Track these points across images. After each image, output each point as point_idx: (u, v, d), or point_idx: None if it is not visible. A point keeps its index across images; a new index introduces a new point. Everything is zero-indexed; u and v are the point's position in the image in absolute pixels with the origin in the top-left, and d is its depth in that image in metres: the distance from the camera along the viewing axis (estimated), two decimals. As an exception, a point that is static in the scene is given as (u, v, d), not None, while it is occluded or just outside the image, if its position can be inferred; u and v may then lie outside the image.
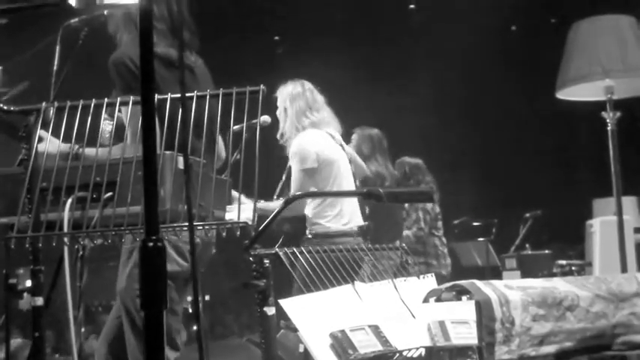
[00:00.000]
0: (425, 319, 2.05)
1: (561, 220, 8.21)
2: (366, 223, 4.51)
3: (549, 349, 2.09)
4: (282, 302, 2.06)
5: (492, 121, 9.64)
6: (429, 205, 6.37)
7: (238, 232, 1.96)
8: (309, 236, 4.40)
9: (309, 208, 4.40)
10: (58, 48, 2.77)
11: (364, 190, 2.59)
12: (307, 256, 2.26)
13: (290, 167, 4.47)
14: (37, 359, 2.14)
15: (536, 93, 6.64)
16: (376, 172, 5.62)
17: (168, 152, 2.04)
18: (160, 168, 1.97)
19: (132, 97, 2.18)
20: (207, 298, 5.16)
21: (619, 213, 3.86)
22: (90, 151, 2.33)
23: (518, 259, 7.53)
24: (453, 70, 8.97)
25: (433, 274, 2.39)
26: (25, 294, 2.16)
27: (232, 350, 5.63)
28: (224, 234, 1.99)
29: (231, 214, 2.12)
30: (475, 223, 8.04)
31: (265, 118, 4.10)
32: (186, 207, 1.66)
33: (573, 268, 5.83)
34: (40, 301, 2.13)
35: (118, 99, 2.21)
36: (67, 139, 2.21)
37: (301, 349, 2.03)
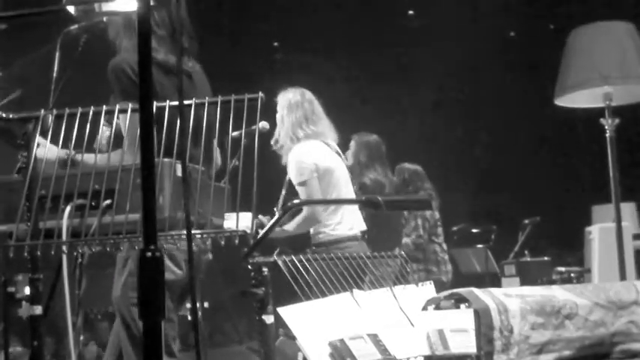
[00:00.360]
0: (424, 327, 2.05)
1: (560, 227, 8.21)
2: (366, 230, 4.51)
3: (548, 357, 2.09)
4: (281, 310, 2.06)
5: (491, 127, 9.65)
6: (427, 212, 6.36)
7: (237, 241, 1.96)
8: (314, 247, 4.39)
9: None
10: (57, 55, 2.78)
11: (363, 198, 2.59)
12: (306, 264, 2.26)
13: (288, 182, 4.46)
14: (36, 367, 2.14)
15: (535, 99, 6.65)
16: (375, 179, 5.59)
17: (166, 160, 2.04)
18: (159, 175, 1.97)
19: (130, 105, 2.18)
20: (206, 305, 5.15)
21: (618, 220, 3.86)
22: (88, 158, 2.33)
23: (517, 266, 7.52)
24: (452, 76, 8.99)
25: (432, 282, 2.39)
26: (24, 302, 2.16)
27: (231, 357, 5.63)
28: (222, 242, 1.99)
29: (229, 222, 2.12)
30: (474, 230, 8.04)
31: (264, 124, 4.08)
32: (184, 214, 1.66)
33: (572, 274, 5.83)
34: (38, 309, 2.13)
35: (117, 106, 2.21)
36: (65, 146, 2.21)
37: (300, 358, 2.02)
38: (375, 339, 2.02)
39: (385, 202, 2.39)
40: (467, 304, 2.06)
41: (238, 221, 1.98)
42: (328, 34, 8.94)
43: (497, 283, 7.40)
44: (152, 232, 1.44)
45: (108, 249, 2.07)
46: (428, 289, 2.33)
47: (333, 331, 2.02)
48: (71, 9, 2.19)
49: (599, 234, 4.77)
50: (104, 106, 2.15)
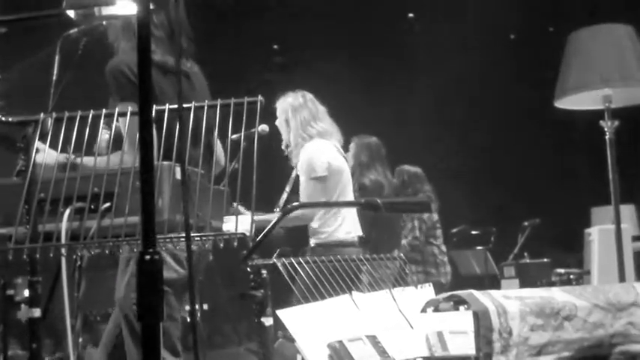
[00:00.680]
0: (423, 329, 2.05)
1: (560, 229, 8.21)
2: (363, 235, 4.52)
3: (547, 359, 2.09)
4: (280, 312, 2.06)
5: (491, 129, 9.65)
6: (424, 214, 6.36)
7: (236, 243, 1.96)
8: (312, 245, 4.40)
9: (315, 217, 4.40)
10: (57, 58, 2.78)
11: (362, 200, 2.60)
12: (305, 266, 2.26)
13: (293, 179, 4.47)
14: (35, 370, 2.14)
15: (535, 102, 6.66)
16: (374, 180, 5.60)
17: (165, 162, 2.04)
18: (158, 178, 1.97)
19: (130, 108, 2.18)
20: (205, 307, 5.16)
21: (617, 221, 3.87)
22: (88, 160, 2.33)
23: (516, 268, 7.53)
24: (452, 78, 8.98)
25: (431, 284, 2.39)
26: (23, 305, 2.16)
27: (230, 359, 5.63)
28: (221, 245, 1.99)
29: (228, 225, 2.12)
30: (473, 232, 8.04)
31: (264, 127, 4.10)
32: (183, 217, 1.66)
33: (572, 276, 5.84)
34: (37, 312, 2.13)
35: (117, 110, 2.21)
36: (65, 149, 2.21)
37: (299, 360, 2.03)
38: (374, 341, 2.02)
39: (384, 205, 2.39)
40: (466, 306, 2.06)
41: (237, 224, 1.98)
42: (328, 38, 8.94)
43: (496, 285, 7.41)
44: (151, 234, 1.44)
45: (107, 252, 2.07)
46: (427, 291, 2.33)
47: (332, 333, 2.02)
48: (71, 13, 2.19)
49: (598, 236, 4.77)
50: (104, 110, 2.15)
